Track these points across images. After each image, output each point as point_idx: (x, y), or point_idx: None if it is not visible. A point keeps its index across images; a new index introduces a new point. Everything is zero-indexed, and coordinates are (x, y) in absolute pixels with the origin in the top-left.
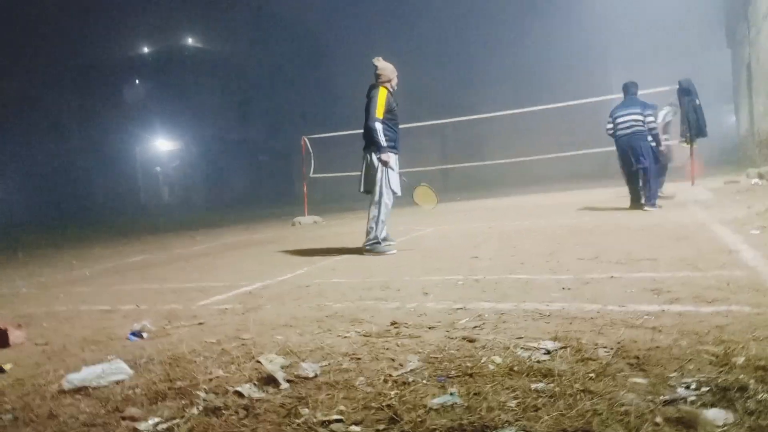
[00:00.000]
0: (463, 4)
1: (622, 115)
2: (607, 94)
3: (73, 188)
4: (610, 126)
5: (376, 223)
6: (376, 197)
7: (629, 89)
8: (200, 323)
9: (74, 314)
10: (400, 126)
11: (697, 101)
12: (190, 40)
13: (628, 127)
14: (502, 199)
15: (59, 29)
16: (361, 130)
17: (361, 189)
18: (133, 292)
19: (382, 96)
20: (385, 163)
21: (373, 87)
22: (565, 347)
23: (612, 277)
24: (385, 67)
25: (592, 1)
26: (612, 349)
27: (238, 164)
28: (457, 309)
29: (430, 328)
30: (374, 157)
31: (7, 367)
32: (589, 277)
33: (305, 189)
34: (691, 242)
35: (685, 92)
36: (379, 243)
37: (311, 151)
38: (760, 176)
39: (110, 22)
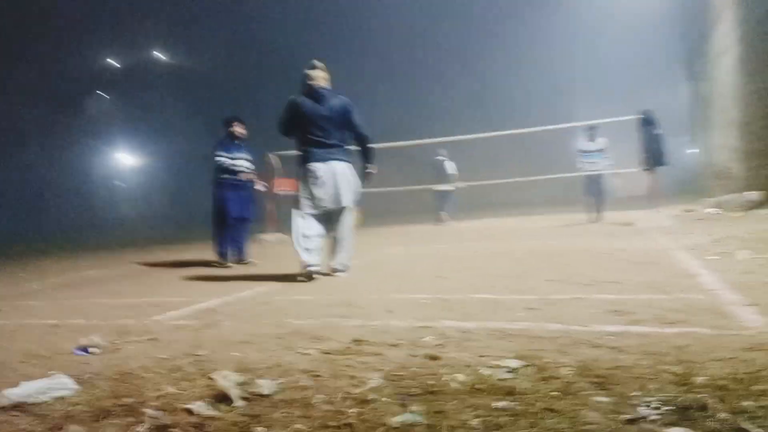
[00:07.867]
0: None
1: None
2: (570, 122)
3: (26, 201)
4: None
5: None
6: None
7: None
8: (153, 339)
9: (18, 328)
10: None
11: (659, 131)
12: (158, 54)
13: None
14: (471, 222)
15: (22, 40)
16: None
17: (346, 203)
18: (84, 306)
19: None
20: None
21: (337, 95)
22: (528, 366)
23: (576, 298)
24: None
25: (559, 35)
26: (575, 368)
27: (203, 180)
28: (422, 327)
29: (392, 345)
30: (352, 169)
31: None
32: (554, 298)
33: (270, 206)
34: (654, 267)
35: (647, 122)
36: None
37: (278, 167)
38: (717, 205)
39: (77, 34)
